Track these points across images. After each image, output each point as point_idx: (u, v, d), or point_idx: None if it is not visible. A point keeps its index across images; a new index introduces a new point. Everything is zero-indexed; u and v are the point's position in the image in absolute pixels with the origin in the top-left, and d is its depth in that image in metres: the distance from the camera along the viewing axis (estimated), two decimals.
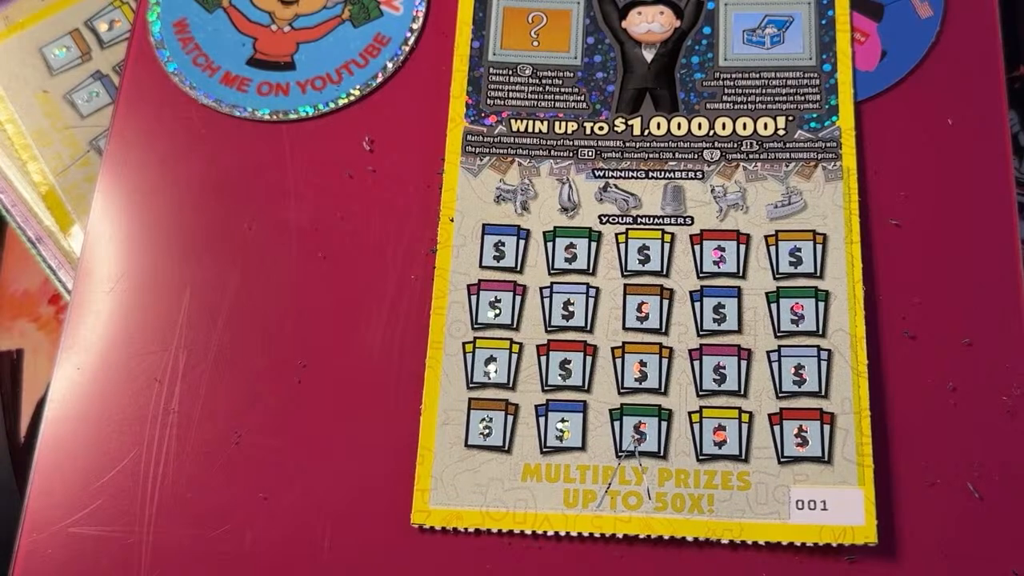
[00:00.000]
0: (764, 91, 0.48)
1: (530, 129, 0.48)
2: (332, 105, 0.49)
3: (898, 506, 0.42)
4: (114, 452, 0.44)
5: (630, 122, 0.48)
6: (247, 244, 0.47)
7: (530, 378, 0.44)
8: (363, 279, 0.46)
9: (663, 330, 0.44)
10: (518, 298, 0.45)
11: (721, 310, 0.44)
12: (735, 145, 0.47)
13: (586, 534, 0.42)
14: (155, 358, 0.46)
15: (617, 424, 0.43)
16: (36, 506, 0.44)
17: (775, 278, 0.45)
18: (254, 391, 0.45)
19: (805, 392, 0.43)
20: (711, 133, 0.47)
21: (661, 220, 0.46)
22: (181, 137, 0.49)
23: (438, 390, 0.44)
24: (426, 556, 0.42)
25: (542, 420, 0.43)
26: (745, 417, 0.43)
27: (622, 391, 0.44)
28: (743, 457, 0.42)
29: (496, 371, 0.44)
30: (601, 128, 0.48)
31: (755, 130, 0.47)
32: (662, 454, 0.43)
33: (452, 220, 0.46)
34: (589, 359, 0.44)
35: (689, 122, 0.48)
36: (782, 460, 0.42)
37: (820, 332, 0.44)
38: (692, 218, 0.46)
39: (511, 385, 0.44)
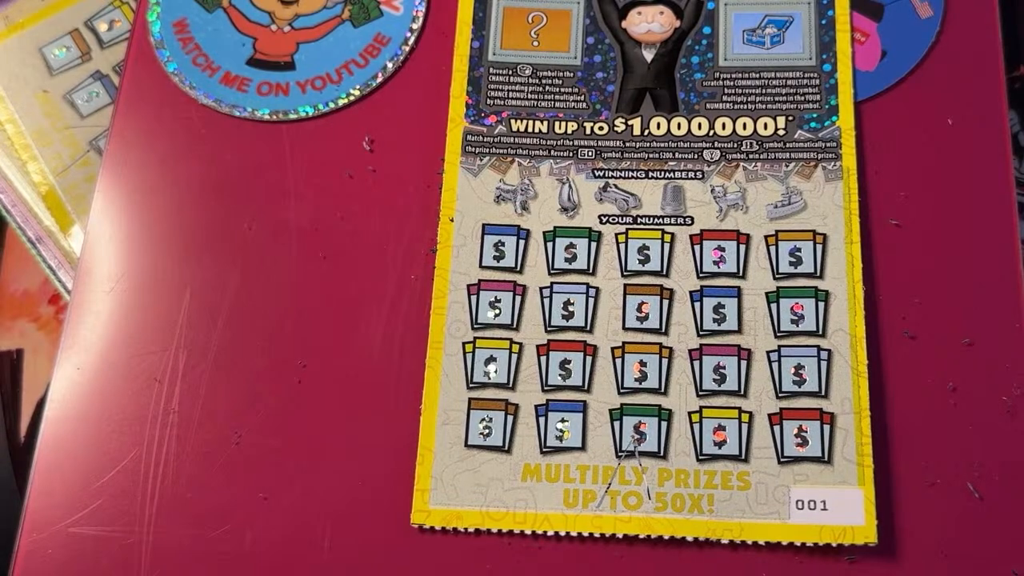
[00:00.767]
0: (764, 91, 0.48)
1: (530, 129, 0.48)
2: (332, 105, 0.49)
3: (898, 506, 0.42)
4: (114, 452, 0.44)
5: (630, 122, 0.48)
6: (247, 244, 0.47)
7: (530, 378, 0.44)
8: (363, 279, 0.46)
9: (663, 330, 0.44)
10: (518, 298, 0.45)
11: (721, 310, 0.44)
12: (735, 145, 0.47)
13: (586, 534, 0.42)
14: (155, 358, 0.46)
15: (617, 424, 0.43)
16: (36, 506, 0.44)
17: (775, 278, 0.45)
18: (254, 391, 0.45)
19: (805, 392, 0.43)
20: (711, 133, 0.47)
21: (661, 220, 0.46)
22: (181, 137, 0.49)
23: (438, 390, 0.44)
24: (426, 556, 0.42)
25: (542, 420, 0.43)
26: (745, 417, 0.43)
27: (622, 391, 0.44)
28: (743, 457, 0.42)
29: (496, 371, 0.44)
30: (601, 128, 0.48)
31: (755, 130, 0.47)
32: (662, 454, 0.43)
33: (452, 220, 0.46)
34: (589, 359, 0.44)
35: (689, 122, 0.48)
36: (782, 460, 0.42)
37: (820, 332, 0.44)
38: (692, 218, 0.46)
39: (511, 385, 0.44)
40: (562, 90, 0.48)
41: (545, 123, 0.48)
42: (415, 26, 0.51)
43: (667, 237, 0.46)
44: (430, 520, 0.42)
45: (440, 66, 0.49)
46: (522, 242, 0.46)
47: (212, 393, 0.45)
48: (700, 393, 0.43)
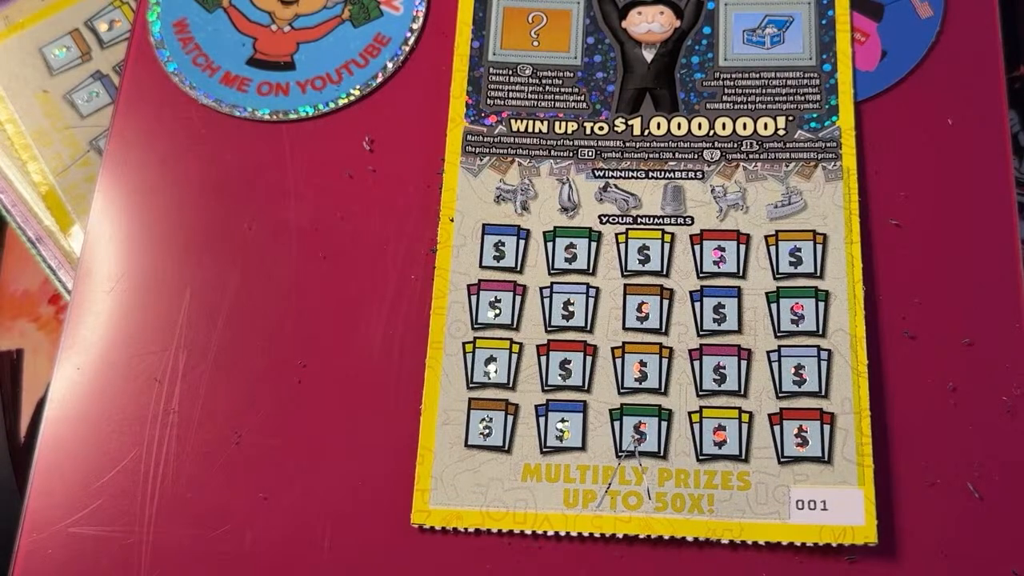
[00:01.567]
0: (764, 91, 0.48)
1: (530, 129, 0.48)
2: (332, 105, 0.49)
3: (898, 506, 0.42)
4: (114, 452, 0.44)
5: (630, 122, 0.48)
6: (247, 244, 0.47)
7: (530, 378, 0.44)
8: (363, 279, 0.46)
9: (663, 330, 0.44)
10: (518, 298, 0.45)
11: (721, 310, 0.44)
12: (735, 145, 0.47)
13: (586, 534, 0.42)
14: (155, 358, 0.46)
15: (617, 424, 0.43)
16: (36, 506, 0.44)
17: (775, 278, 0.45)
18: (254, 391, 0.45)
19: (805, 392, 0.43)
20: (711, 133, 0.47)
21: (661, 220, 0.46)
22: (181, 137, 0.49)
23: (438, 390, 0.44)
24: (426, 556, 0.42)
25: (542, 420, 0.43)
26: (745, 417, 0.43)
27: (622, 391, 0.44)
28: (743, 457, 0.42)
29: (496, 371, 0.44)
30: (601, 128, 0.48)
31: (755, 130, 0.47)
32: (662, 454, 0.43)
33: (452, 220, 0.46)
34: (589, 359, 0.44)
35: (689, 122, 0.48)
36: (782, 460, 0.42)
37: (820, 332, 0.44)
38: (692, 218, 0.46)
39: (511, 385, 0.44)
40: (562, 90, 0.48)
41: (545, 123, 0.48)
42: (415, 26, 0.51)
43: (667, 237, 0.46)
44: (430, 520, 0.42)
45: (440, 66, 0.49)
46: (522, 242, 0.46)
47: (212, 393, 0.45)
48: (700, 393, 0.43)
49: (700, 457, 0.42)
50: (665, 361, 0.44)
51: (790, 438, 0.42)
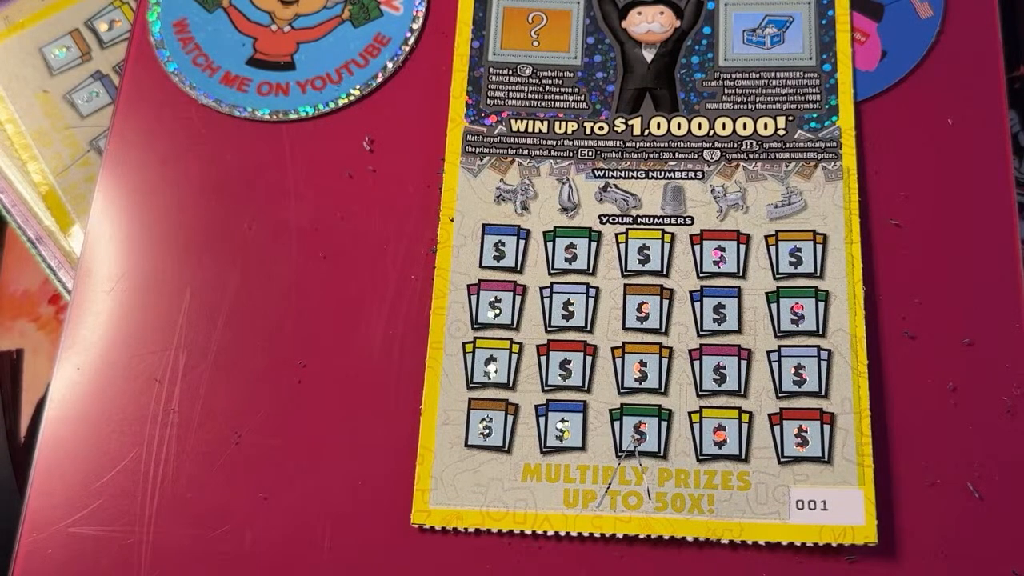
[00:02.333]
0: (764, 91, 0.48)
1: (530, 129, 0.48)
2: (332, 105, 0.49)
3: (898, 506, 0.42)
4: (114, 452, 0.44)
5: (630, 122, 0.48)
6: (247, 244, 0.47)
7: (530, 378, 0.44)
8: (363, 279, 0.46)
9: (663, 330, 0.44)
10: (518, 298, 0.45)
11: (721, 310, 0.44)
12: (735, 145, 0.47)
13: (586, 534, 0.42)
14: (155, 358, 0.46)
15: (617, 424, 0.43)
16: (36, 506, 0.44)
17: (775, 278, 0.45)
18: (254, 391, 0.45)
19: (805, 392, 0.43)
20: (711, 133, 0.47)
21: (661, 220, 0.46)
22: (181, 137, 0.49)
23: (438, 390, 0.44)
24: (426, 556, 0.42)
25: (542, 420, 0.43)
26: (745, 417, 0.43)
27: (622, 391, 0.44)
28: (743, 457, 0.42)
29: (496, 371, 0.44)
30: (601, 128, 0.48)
31: (755, 130, 0.47)
32: (662, 454, 0.43)
33: (452, 220, 0.46)
34: (589, 359, 0.44)
35: (689, 122, 0.48)
36: (782, 460, 0.42)
37: (820, 332, 0.44)
38: (692, 218, 0.46)
39: (511, 385, 0.44)
40: (562, 90, 0.48)
41: (545, 123, 0.48)
42: (415, 26, 0.51)
43: (667, 237, 0.46)
44: (430, 520, 0.42)
45: (440, 66, 0.49)
46: (522, 242, 0.46)
47: (212, 393, 0.45)
48: (700, 393, 0.43)
49: (700, 457, 0.42)
50: (665, 361, 0.44)
51: (790, 438, 0.42)
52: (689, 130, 0.47)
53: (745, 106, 0.48)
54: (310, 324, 0.46)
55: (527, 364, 0.44)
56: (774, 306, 0.44)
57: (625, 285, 0.45)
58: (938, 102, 0.47)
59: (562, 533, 0.42)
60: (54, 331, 0.60)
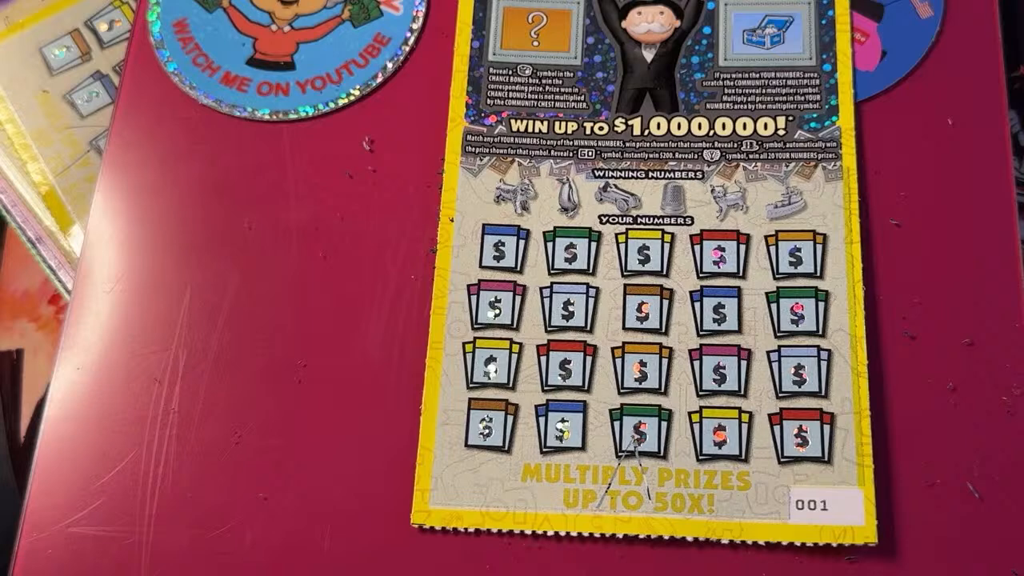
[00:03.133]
0: (764, 91, 0.48)
1: (530, 129, 0.48)
2: (332, 105, 0.49)
3: (898, 506, 0.42)
4: (114, 452, 0.44)
5: (630, 122, 0.48)
6: (247, 244, 0.47)
7: (530, 378, 0.44)
8: (363, 279, 0.46)
9: (663, 330, 0.44)
10: (518, 298, 0.45)
11: (721, 310, 0.44)
12: (735, 145, 0.47)
13: (586, 534, 0.42)
14: (155, 358, 0.46)
15: (617, 424, 0.43)
16: (36, 506, 0.44)
17: (775, 278, 0.45)
18: (254, 391, 0.45)
19: (805, 392, 0.43)
20: (711, 133, 0.47)
21: (661, 220, 0.46)
22: (181, 137, 0.49)
23: (438, 390, 0.44)
24: (426, 556, 0.42)
25: (542, 420, 0.43)
26: (745, 417, 0.43)
27: (622, 391, 0.44)
28: (743, 457, 0.42)
29: (496, 371, 0.44)
30: (601, 128, 0.48)
31: (755, 130, 0.47)
32: (662, 454, 0.43)
33: (452, 220, 0.46)
34: (589, 359, 0.44)
35: (689, 122, 0.48)
36: (782, 460, 0.42)
37: (820, 332, 0.44)
38: (692, 218, 0.46)
39: (511, 385, 0.44)
40: (562, 90, 0.48)
41: (545, 123, 0.48)
42: (415, 26, 0.51)
43: (667, 237, 0.46)
44: (430, 520, 0.42)
45: (440, 66, 0.49)
46: (522, 242, 0.46)
47: (212, 393, 0.45)
48: (700, 393, 0.43)
49: (700, 457, 0.42)
50: (665, 361, 0.44)
51: (790, 438, 0.42)
52: (689, 130, 0.47)
53: (745, 106, 0.48)
54: (310, 324, 0.46)
55: (527, 364, 0.44)
56: (774, 306, 0.44)
57: (625, 285, 0.45)
58: (938, 102, 0.47)
59: (562, 533, 0.42)
60: (54, 331, 0.60)
